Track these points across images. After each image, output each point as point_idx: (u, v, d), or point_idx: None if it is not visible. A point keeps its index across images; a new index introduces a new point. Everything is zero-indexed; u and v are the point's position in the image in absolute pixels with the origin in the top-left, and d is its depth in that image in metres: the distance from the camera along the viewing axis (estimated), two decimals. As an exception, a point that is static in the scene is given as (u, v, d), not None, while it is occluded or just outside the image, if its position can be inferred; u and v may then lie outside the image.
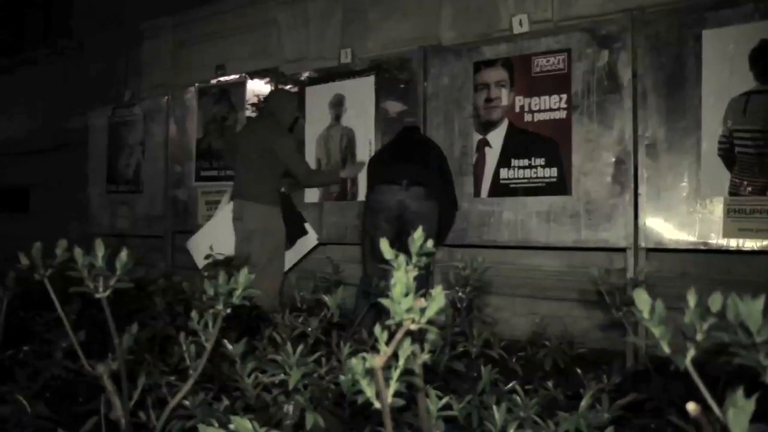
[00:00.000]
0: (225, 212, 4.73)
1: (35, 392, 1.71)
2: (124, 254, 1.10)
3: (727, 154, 3.37)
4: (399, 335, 0.75)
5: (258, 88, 5.43)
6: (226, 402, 1.50)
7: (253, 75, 5.52)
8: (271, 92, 4.92)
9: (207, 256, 3.60)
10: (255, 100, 5.44)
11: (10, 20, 10.03)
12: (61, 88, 8.49)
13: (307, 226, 4.71)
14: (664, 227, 3.55)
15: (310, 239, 4.75)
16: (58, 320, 1.55)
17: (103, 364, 1.11)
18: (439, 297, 0.77)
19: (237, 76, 5.66)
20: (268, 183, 4.28)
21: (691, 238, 3.46)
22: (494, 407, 1.36)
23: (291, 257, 4.55)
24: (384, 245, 0.92)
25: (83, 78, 8.14)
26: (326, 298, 1.91)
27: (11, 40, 9.97)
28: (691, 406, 0.62)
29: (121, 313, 2.53)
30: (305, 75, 5.17)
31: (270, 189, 4.29)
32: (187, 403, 1.38)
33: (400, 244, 4.16)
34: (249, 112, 5.47)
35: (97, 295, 1.10)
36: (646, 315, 0.73)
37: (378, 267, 3.97)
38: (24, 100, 9.16)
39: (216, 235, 4.08)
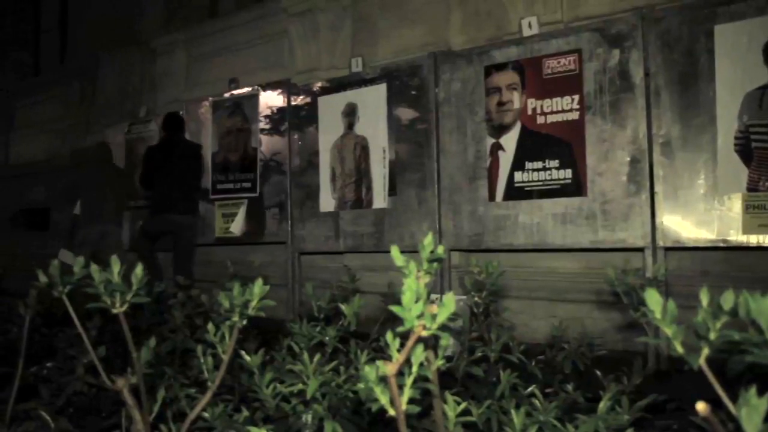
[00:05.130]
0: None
1: (59, 408, 1.74)
2: (139, 269, 1.12)
3: (744, 150, 3.33)
4: (410, 342, 0.75)
5: (271, 100, 5.47)
6: (245, 413, 1.51)
7: (266, 87, 5.56)
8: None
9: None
10: (268, 112, 5.49)
11: (27, 43, 10.24)
12: (78, 107, 8.62)
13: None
14: (682, 225, 3.51)
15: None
16: (79, 336, 1.58)
17: (122, 378, 1.13)
18: (450, 303, 0.78)
19: (250, 89, 5.70)
20: None
21: (710, 236, 3.42)
22: (513, 412, 1.35)
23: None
24: (395, 252, 0.93)
25: (99, 96, 8.25)
26: (343, 307, 1.92)
27: (29, 62, 10.17)
28: (701, 406, 0.62)
29: (141, 327, 2.57)
30: (317, 85, 5.21)
31: None
32: (206, 415, 1.39)
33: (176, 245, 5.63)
34: (263, 124, 5.51)
35: (114, 311, 1.11)
36: (658, 315, 0.73)
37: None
38: (42, 120, 9.32)
39: None
